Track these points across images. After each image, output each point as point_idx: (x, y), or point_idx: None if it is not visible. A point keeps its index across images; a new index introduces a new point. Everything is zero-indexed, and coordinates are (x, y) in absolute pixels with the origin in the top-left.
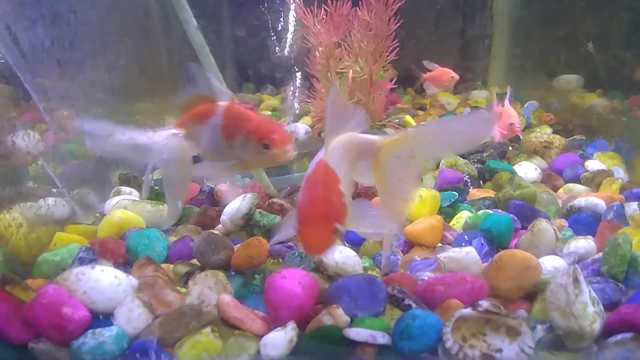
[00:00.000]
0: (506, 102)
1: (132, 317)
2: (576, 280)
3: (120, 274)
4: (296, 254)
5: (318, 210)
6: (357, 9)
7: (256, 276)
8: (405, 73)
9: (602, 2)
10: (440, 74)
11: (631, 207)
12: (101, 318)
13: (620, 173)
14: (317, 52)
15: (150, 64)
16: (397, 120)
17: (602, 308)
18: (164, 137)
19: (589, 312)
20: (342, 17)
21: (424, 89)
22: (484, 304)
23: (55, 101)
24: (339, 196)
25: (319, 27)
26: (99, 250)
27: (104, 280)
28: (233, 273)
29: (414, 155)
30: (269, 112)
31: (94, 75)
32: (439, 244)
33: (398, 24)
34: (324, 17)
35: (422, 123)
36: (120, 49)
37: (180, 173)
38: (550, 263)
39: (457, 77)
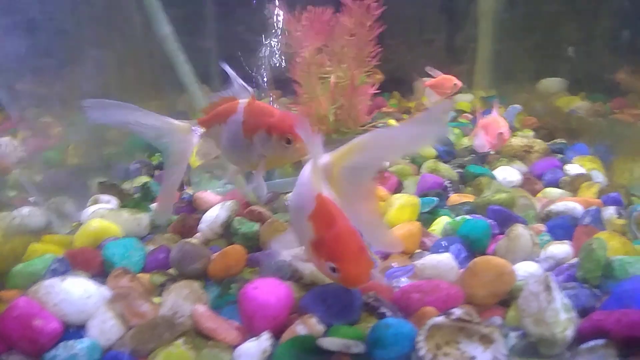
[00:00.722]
0: (494, 111)
1: (105, 328)
2: (548, 288)
3: (90, 286)
4: (273, 262)
5: (356, 243)
6: (339, 14)
7: (232, 285)
8: (391, 76)
9: (585, 5)
10: (442, 82)
11: (608, 211)
12: (72, 330)
13: (599, 177)
14: (298, 58)
15: (132, 68)
16: (382, 125)
17: (575, 314)
18: (180, 126)
19: (561, 319)
20: (323, 23)
21: (414, 92)
22: (457, 312)
23: (32, 107)
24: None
25: (299, 33)
26: (74, 261)
27: (75, 293)
28: (210, 282)
29: (364, 164)
30: None
31: (74, 80)
32: (418, 250)
33: (380, 30)
34: (305, 23)
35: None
36: (101, 55)
37: (181, 166)
38: (525, 269)
39: (459, 84)
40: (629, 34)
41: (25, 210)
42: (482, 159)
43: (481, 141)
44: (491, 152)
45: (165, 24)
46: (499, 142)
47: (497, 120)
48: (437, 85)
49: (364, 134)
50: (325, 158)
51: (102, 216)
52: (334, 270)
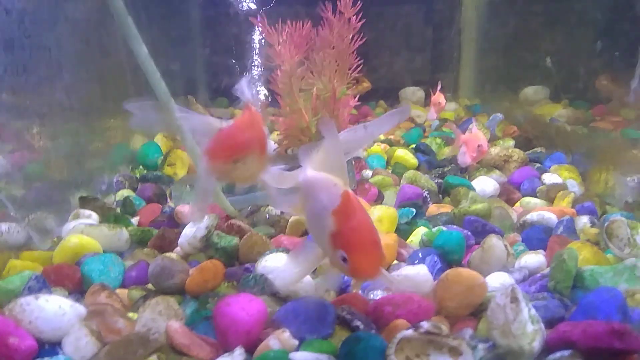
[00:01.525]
0: (473, 128)
1: (80, 345)
2: (514, 300)
3: (65, 303)
4: (250, 276)
5: (370, 237)
6: (320, 27)
7: (210, 300)
8: (377, 85)
9: (567, 14)
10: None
11: (582, 220)
12: (47, 347)
13: (575, 186)
14: (278, 71)
15: (114, 82)
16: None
17: (543, 326)
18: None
19: (528, 330)
20: (302, 36)
21: (400, 100)
22: (425, 325)
23: (13, 121)
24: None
25: (279, 46)
26: (53, 278)
27: (49, 310)
28: (188, 297)
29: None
30: None
31: (55, 95)
32: (395, 262)
33: (361, 42)
34: (285, 36)
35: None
36: (82, 69)
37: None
38: (498, 280)
39: (443, 103)
40: (609, 42)
41: (4, 226)
42: (463, 169)
43: (463, 157)
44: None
45: (139, 42)
46: (479, 155)
47: (475, 135)
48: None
49: (323, 144)
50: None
51: (81, 232)
52: (344, 260)
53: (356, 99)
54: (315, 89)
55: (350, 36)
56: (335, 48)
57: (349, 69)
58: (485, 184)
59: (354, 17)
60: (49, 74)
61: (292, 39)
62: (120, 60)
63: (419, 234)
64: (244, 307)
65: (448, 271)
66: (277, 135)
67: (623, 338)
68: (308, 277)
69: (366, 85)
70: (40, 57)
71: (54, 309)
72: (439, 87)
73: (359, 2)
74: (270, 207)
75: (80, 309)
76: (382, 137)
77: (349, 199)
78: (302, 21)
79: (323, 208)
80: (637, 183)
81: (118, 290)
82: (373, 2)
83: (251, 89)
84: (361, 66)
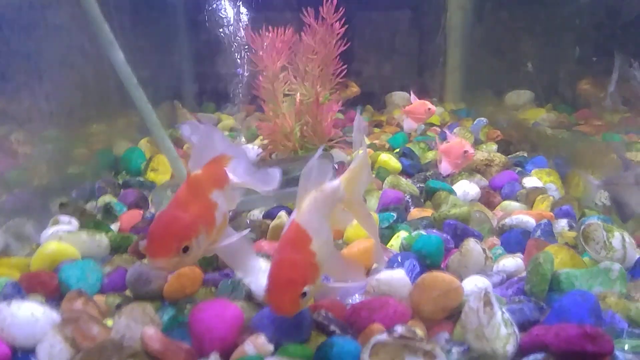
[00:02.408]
0: (453, 136)
1: (54, 352)
2: (487, 303)
3: (38, 309)
4: (229, 282)
5: (285, 275)
6: (302, 33)
7: (188, 306)
8: (363, 90)
9: (551, 20)
10: (417, 108)
11: (560, 224)
12: (21, 354)
13: (554, 190)
14: (261, 77)
15: (97, 87)
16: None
17: (516, 329)
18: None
19: (502, 334)
20: (284, 42)
21: (386, 105)
22: (399, 329)
23: None
24: (309, 258)
25: (261, 52)
26: (29, 284)
27: (21, 317)
28: (166, 304)
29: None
30: (227, 132)
31: (35, 101)
32: (375, 266)
33: (344, 48)
34: (267, 42)
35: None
36: (64, 75)
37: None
38: (475, 283)
39: (433, 109)
40: (590, 47)
41: None
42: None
43: (445, 166)
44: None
45: (116, 49)
46: (465, 161)
47: (459, 142)
48: (412, 111)
49: (359, 156)
50: (337, 184)
51: (60, 238)
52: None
53: (340, 103)
54: (298, 94)
55: (334, 42)
56: (318, 53)
57: (333, 74)
58: (467, 188)
59: (337, 22)
60: (28, 80)
61: (274, 45)
62: (102, 66)
63: (399, 238)
64: (219, 313)
65: (424, 275)
66: (261, 140)
67: (595, 341)
68: None
69: (355, 90)
70: (20, 63)
71: (26, 316)
72: (412, 97)
73: (342, 8)
74: (251, 212)
75: (53, 315)
76: (367, 140)
77: (290, 229)
78: (285, 27)
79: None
80: (602, 183)
81: (96, 297)
82: (359, 8)
83: (199, 133)
84: (346, 71)
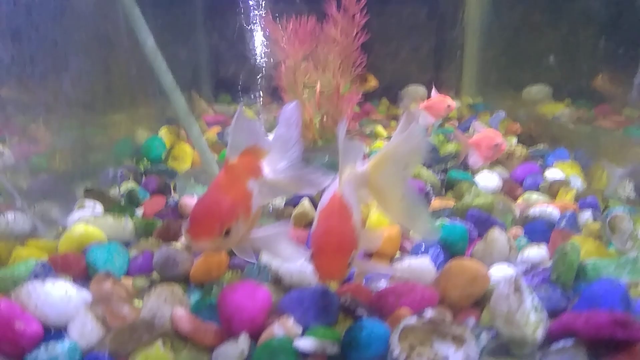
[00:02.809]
0: (479, 126)
1: (85, 331)
2: (517, 289)
3: (71, 288)
4: (255, 266)
5: (335, 241)
6: (324, 24)
7: (214, 288)
8: (380, 83)
9: (572, 13)
10: (436, 103)
11: (584, 215)
12: (53, 332)
13: (577, 182)
14: (283, 66)
15: (118, 76)
16: (369, 132)
17: (546, 315)
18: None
19: (532, 319)
20: (307, 32)
21: (402, 98)
22: (429, 313)
23: (18, 114)
24: (353, 228)
25: (284, 42)
26: (58, 266)
27: (55, 295)
28: (192, 286)
29: (397, 169)
30: None
31: (61, 87)
32: (398, 254)
33: (365, 39)
34: (290, 32)
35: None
36: (87, 62)
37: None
38: (500, 272)
39: (453, 105)
40: (608, 41)
41: (10, 215)
42: (466, 165)
43: (475, 159)
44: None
45: (147, 34)
46: (496, 154)
47: (490, 134)
48: (431, 107)
49: (391, 143)
50: (363, 167)
51: (87, 221)
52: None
53: (360, 94)
54: (318, 84)
55: (355, 32)
56: (339, 44)
57: (353, 65)
58: (488, 179)
59: (359, 13)
60: (55, 65)
61: (296, 35)
62: (124, 54)
63: None
64: (249, 294)
65: (451, 262)
66: None
67: (626, 328)
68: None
69: (373, 83)
70: (48, 49)
71: (60, 294)
72: (433, 91)
73: None
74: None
75: (86, 294)
76: (384, 133)
77: (332, 201)
78: (306, 17)
79: (319, 205)
80: (627, 172)
81: (123, 279)
82: (377, 0)
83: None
84: (365, 64)
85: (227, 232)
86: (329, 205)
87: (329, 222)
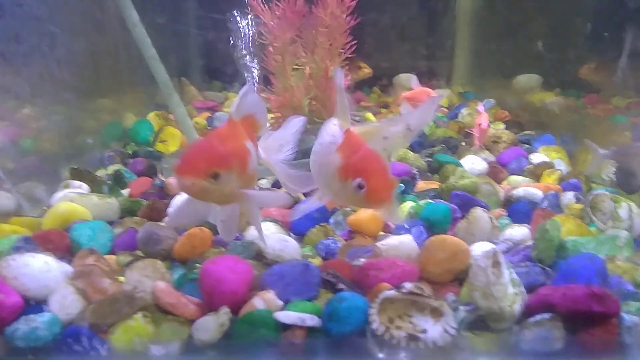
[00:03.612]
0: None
1: (65, 303)
2: (496, 263)
3: (51, 260)
4: (239, 243)
5: (381, 164)
6: (313, 5)
7: (197, 264)
8: (373, 72)
9: (562, 2)
10: (419, 95)
11: (567, 196)
12: (33, 304)
13: (561, 165)
14: (271, 48)
15: (107, 59)
16: (358, 118)
17: (524, 290)
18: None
19: (509, 293)
20: (295, 13)
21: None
22: (408, 285)
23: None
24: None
25: (272, 23)
26: (41, 241)
27: (34, 266)
28: (176, 263)
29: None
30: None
31: (46, 67)
32: (381, 232)
33: (354, 22)
34: (277, 13)
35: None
36: (74, 43)
37: None
38: (482, 249)
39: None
40: (596, 30)
41: None
42: (454, 149)
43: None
44: (462, 143)
45: (133, 11)
46: (482, 133)
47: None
48: (413, 98)
49: (378, 122)
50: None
51: (71, 200)
52: (360, 187)
53: (348, 78)
54: (307, 67)
55: (344, 16)
56: (328, 27)
57: (343, 49)
58: (474, 162)
59: None
60: (41, 43)
61: (284, 17)
62: (112, 37)
63: (406, 208)
64: (231, 267)
65: (432, 238)
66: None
67: (602, 301)
68: (294, 242)
69: (367, 71)
70: (33, 25)
71: (39, 265)
72: (414, 83)
73: None
74: (260, 181)
75: (66, 267)
76: (373, 119)
77: (350, 135)
78: None
79: (327, 146)
80: (610, 152)
81: (106, 257)
82: None
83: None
84: (356, 49)
85: (217, 177)
86: (350, 137)
87: (365, 148)
